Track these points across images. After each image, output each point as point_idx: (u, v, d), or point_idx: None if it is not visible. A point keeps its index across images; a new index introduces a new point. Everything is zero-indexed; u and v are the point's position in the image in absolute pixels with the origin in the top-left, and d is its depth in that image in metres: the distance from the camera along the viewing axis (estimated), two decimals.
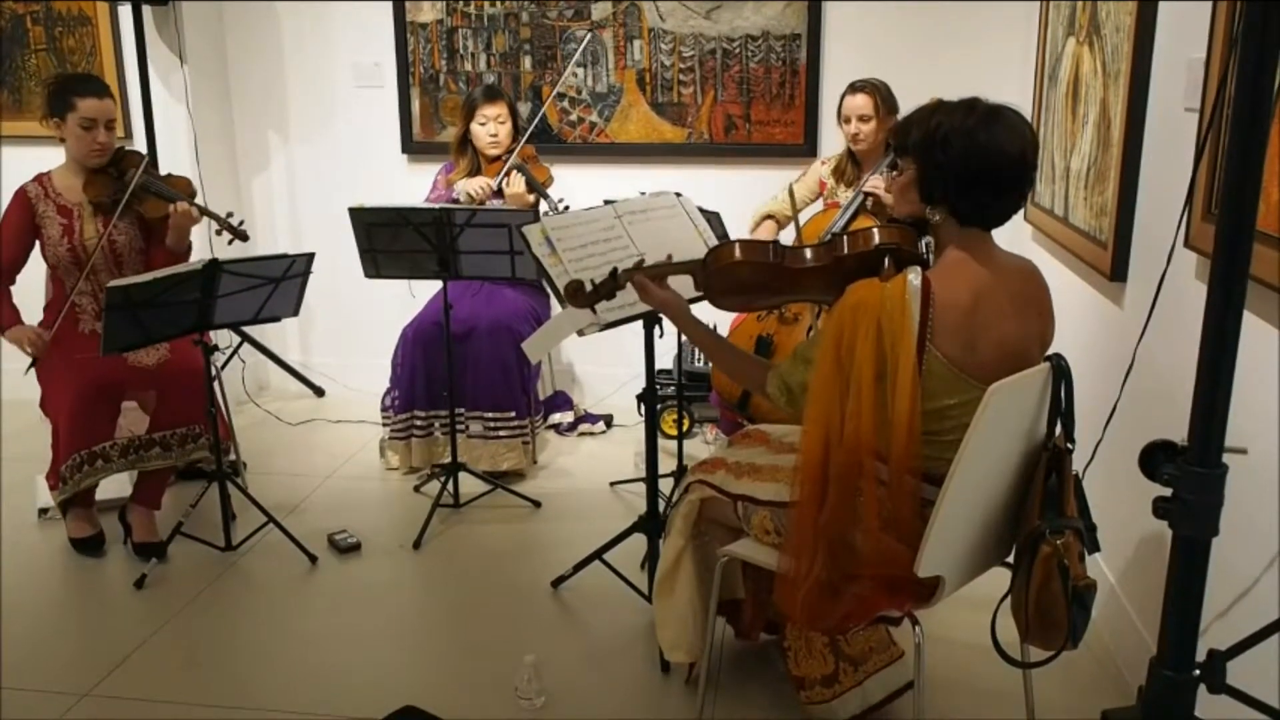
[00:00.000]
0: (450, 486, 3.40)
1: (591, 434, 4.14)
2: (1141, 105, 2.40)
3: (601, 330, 2.46)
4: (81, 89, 3.03)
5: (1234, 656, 1.46)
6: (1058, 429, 1.88)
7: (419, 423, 3.69)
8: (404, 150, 4.38)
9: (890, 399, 1.77)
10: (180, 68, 4.15)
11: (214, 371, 3.04)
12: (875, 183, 3.31)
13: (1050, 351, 1.91)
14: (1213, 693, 1.46)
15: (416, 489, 3.59)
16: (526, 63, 4.23)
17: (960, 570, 1.90)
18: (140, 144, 4.05)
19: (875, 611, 1.91)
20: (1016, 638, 1.87)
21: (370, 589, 2.93)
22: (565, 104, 4.24)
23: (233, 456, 3.48)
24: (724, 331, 3.11)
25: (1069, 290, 2.82)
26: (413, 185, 4.11)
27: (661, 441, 3.10)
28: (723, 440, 3.57)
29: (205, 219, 3.17)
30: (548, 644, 2.60)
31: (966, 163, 1.78)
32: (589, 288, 2.20)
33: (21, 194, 3.10)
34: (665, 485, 3.09)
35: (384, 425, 3.77)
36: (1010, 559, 1.95)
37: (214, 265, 2.77)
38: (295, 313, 3.07)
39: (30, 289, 3.21)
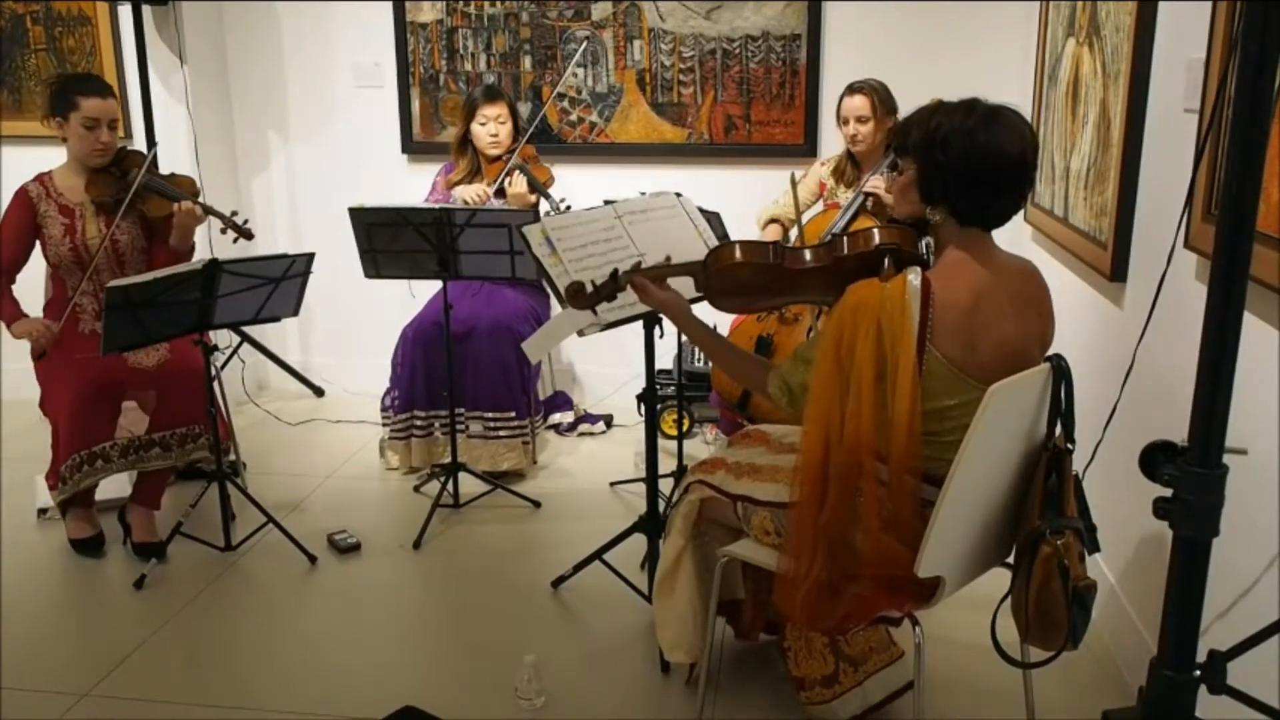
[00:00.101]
0: (450, 486, 3.40)
1: (591, 434, 4.14)
2: (1141, 106, 2.40)
3: (602, 330, 2.46)
4: (85, 88, 3.03)
5: (1235, 657, 1.46)
6: (1058, 429, 1.88)
7: (419, 423, 3.69)
8: (404, 150, 4.38)
9: (890, 399, 1.77)
10: (180, 68, 4.15)
11: (214, 371, 3.04)
12: (875, 183, 3.31)
13: (1050, 352, 1.91)
14: (1213, 693, 1.46)
15: (416, 489, 3.59)
16: (526, 63, 4.23)
17: (960, 570, 1.90)
18: (140, 144, 4.06)
19: (875, 612, 1.91)
20: (1016, 638, 1.87)
21: (370, 589, 2.93)
22: (565, 104, 4.24)
23: (232, 457, 3.48)
24: (724, 332, 3.11)
25: (1069, 290, 2.82)
26: (413, 185, 4.11)
27: (661, 442, 3.10)
28: (723, 440, 3.57)
29: (210, 218, 3.17)
30: (548, 644, 2.60)
31: (966, 163, 1.78)
32: (590, 289, 2.20)
33: (23, 193, 3.10)
34: (665, 485, 3.09)
35: (384, 425, 3.77)
36: (1010, 559, 1.95)
37: (214, 265, 2.77)
38: (295, 313, 3.07)
39: (30, 289, 3.21)
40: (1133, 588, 2.40)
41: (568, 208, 3.43)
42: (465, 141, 3.76)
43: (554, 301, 3.53)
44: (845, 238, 1.96)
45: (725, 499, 2.17)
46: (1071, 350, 1.97)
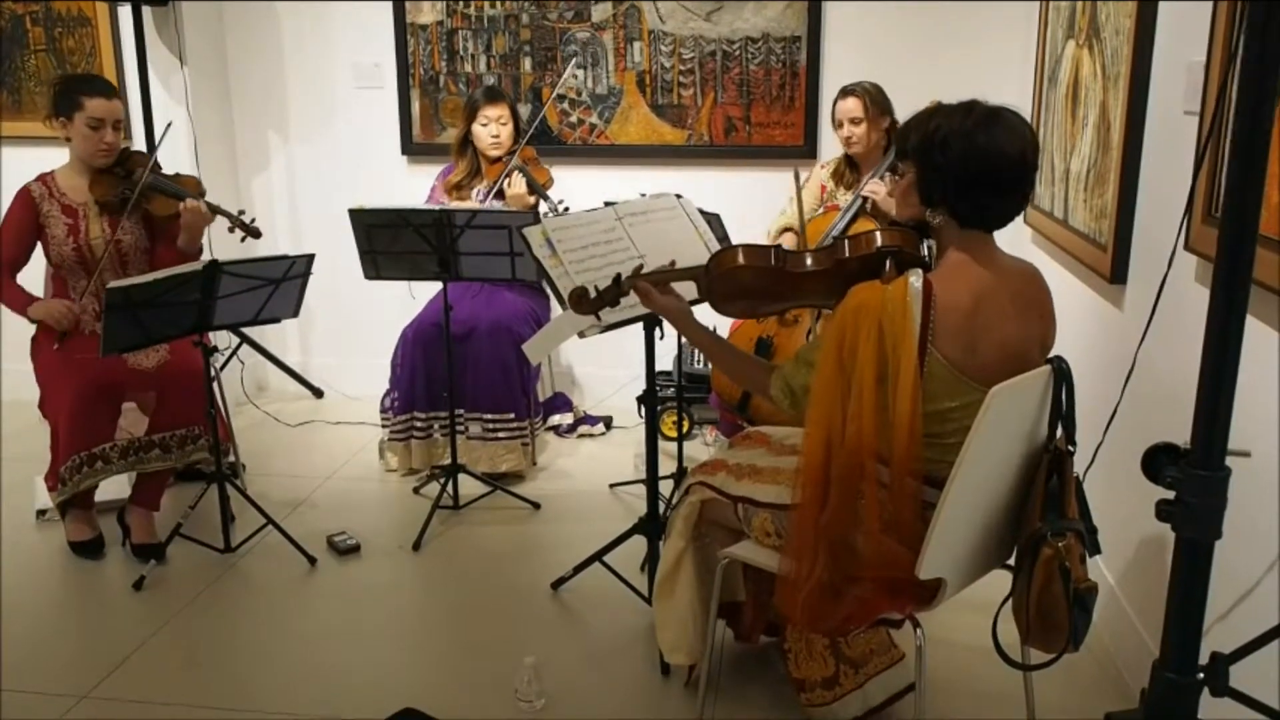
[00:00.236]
0: (450, 488, 3.40)
1: (591, 436, 4.14)
2: (1141, 108, 2.40)
3: (602, 332, 2.46)
4: (89, 89, 3.03)
5: (1238, 660, 1.46)
6: (1059, 431, 1.88)
7: (418, 424, 3.69)
8: (404, 152, 4.38)
9: (891, 401, 1.77)
10: (180, 69, 4.15)
11: (213, 373, 3.03)
12: (874, 186, 3.32)
13: (1051, 354, 1.91)
14: (1215, 696, 1.46)
15: (416, 490, 3.58)
16: (526, 64, 4.23)
17: (961, 572, 1.90)
18: (140, 145, 4.05)
19: (876, 614, 1.92)
20: (1017, 640, 1.87)
21: (370, 590, 2.93)
22: (565, 106, 4.24)
23: (232, 458, 3.48)
24: (724, 333, 3.11)
25: (1069, 293, 2.82)
26: (413, 186, 4.11)
27: (661, 443, 3.10)
28: (723, 442, 3.57)
29: (217, 218, 3.17)
30: (547, 646, 2.60)
31: (965, 164, 1.78)
32: (593, 294, 2.19)
33: (25, 193, 3.10)
34: (665, 487, 3.09)
35: (383, 426, 3.77)
36: (1011, 561, 1.95)
37: (214, 266, 2.77)
38: (295, 314, 3.07)
39: (30, 289, 3.19)
40: (1133, 589, 2.40)
41: (566, 209, 3.43)
42: (466, 142, 3.76)
43: (554, 303, 3.53)
44: (847, 240, 1.96)
45: (726, 500, 2.17)
46: (1072, 352, 1.97)
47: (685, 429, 3.84)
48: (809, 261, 1.99)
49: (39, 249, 3.14)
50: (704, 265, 2.08)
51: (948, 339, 1.78)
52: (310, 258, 2.95)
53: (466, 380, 3.59)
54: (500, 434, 3.61)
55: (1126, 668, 2.40)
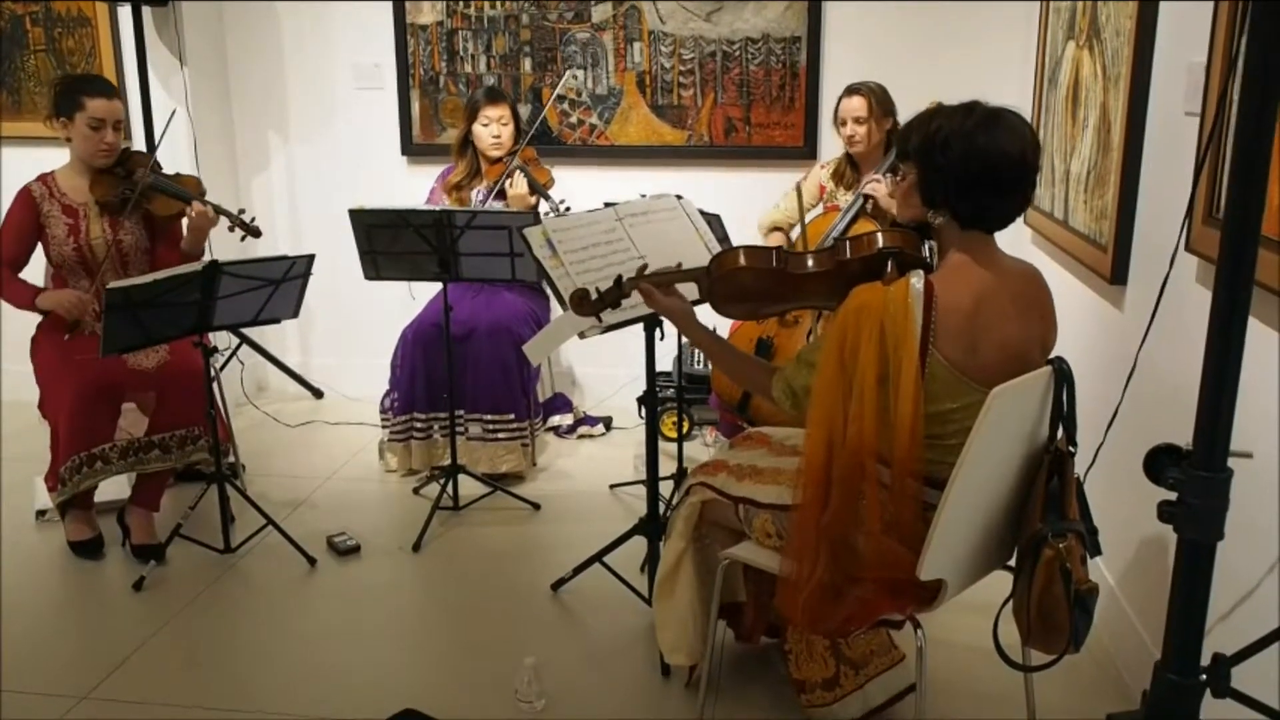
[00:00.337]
0: (449, 488, 3.40)
1: (591, 436, 4.13)
2: (1142, 109, 2.40)
3: (602, 333, 2.46)
4: (90, 89, 3.03)
5: (1240, 661, 1.45)
6: (1059, 432, 1.88)
7: (418, 424, 3.69)
8: (404, 153, 4.38)
9: (893, 402, 1.77)
10: (180, 69, 4.15)
11: (213, 373, 3.03)
12: (874, 186, 3.32)
13: (1052, 355, 1.91)
14: (1217, 697, 1.46)
15: (416, 491, 3.58)
16: (526, 65, 4.22)
17: (962, 573, 1.90)
18: (140, 145, 4.05)
19: (877, 615, 1.91)
20: (1018, 641, 1.87)
21: (370, 591, 2.93)
22: (565, 106, 4.24)
23: (232, 458, 3.48)
24: (723, 333, 3.11)
25: (1069, 293, 2.82)
26: (412, 187, 4.11)
27: (661, 444, 3.10)
28: (723, 443, 3.57)
29: (220, 218, 3.17)
30: (548, 646, 2.59)
31: (966, 165, 1.77)
32: (594, 296, 2.19)
33: (26, 193, 3.10)
34: (665, 488, 3.09)
35: (383, 427, 3.77)
36: (1012, 562, 1.95)
37: (214, 267, 2.77)
38: (295, 314, 3.06)
39: None
40: (1133, 590, 2.40)
41: (567, 209, 3.44)
42: (466, 142, 3.76)
43: (554, 303, 3.53)
44: (848, 241, 1.96)
45: (727, 501, 2.17)
46: (1072, 353, 1.97)
47: (685, 430, 3.84)
48: (810, 263, 1.99)
49: (39, 249, 3.14)
50: (705, 267, 2.08)
51: (949, 340, 1.78)
52: (310, 258, 2.95)
53: (466, 381, 3.58)
54: (500, 435, 3.60)
55: (1127, 669, 2.40)
